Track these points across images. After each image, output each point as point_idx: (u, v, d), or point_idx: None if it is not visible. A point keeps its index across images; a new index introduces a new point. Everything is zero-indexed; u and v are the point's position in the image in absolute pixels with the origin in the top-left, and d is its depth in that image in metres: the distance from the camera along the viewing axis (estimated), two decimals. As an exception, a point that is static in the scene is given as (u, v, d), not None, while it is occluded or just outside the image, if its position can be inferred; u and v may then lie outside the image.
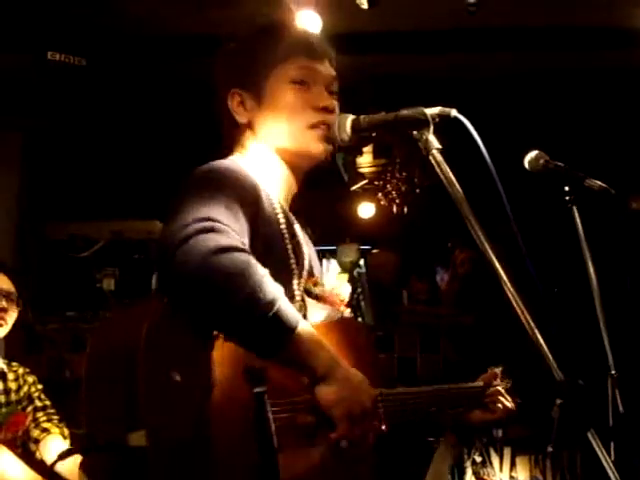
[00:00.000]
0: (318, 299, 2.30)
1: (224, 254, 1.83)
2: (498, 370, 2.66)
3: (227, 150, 2.30)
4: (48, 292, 6.12)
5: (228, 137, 2.33)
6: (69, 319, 5.89)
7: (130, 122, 6.64)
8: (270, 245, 2.14)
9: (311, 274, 2.32)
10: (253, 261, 1.88)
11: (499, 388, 2.61)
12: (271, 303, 1.85)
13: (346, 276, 2.17)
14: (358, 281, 6.85)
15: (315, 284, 2.30)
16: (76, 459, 2.00)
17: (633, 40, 5.94)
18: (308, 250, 2.35)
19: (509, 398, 2.61)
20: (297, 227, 2.34)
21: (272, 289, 1.88)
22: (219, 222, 1.89)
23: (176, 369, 1.82)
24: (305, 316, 2.22)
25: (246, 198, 2.05)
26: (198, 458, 1.81)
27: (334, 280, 2.40)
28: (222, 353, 1.88)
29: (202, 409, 1.82)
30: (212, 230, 1.87)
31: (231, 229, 1.91)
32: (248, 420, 1.84)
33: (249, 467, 1.84)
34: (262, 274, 1.87)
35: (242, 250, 1.88)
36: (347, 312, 2.38)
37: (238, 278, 1.83)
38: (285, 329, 1.88)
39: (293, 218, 2.35)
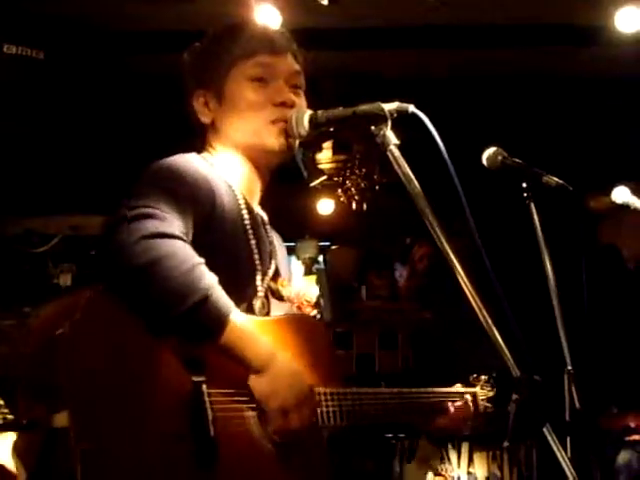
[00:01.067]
0: (284, 300, 2.32)
1: (160, 239, 1.87)
2: (484, 377, 2.61)
3: (198, 149, 2.31)
4: (4, 288, 6.06)
5: (198, 137, 2.35)
6: (25, 315, 5.83)
7: (88, 116, 6.59)
8: (230, 240, 2.16)
9: (278, 274, 2.33)
10: (189, 249, 1.92)
11: (467, 396, 2.57)
12: (203, 289, 1.88)
13: (314, 278, 2.17)
14: (317, 277, 6.84)
15: (282, 285, 2.31)
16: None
17: (589, 39, 5.99)
18: (277, 250, 2.37)
19: (472, 405, 2.56)
20: (268, 227, 2.37)
21: (206, 277, 1.91)
22: (160, 210, 1.92)
23: (104, 352, 1.83)
24: (268, 313, 2.23)
25: (196, 194, 2.06)
26: (124, 442, 1.81)
27: (301, 282, 2.41)
28: (155, 338, 1.89)
29: (131, 394, 1.84)
30: (151, 216, 1.90)
31: (172, 218, 1.93)
32: (182, 407, 1.87)
33: (180, 453, 1.85)
34: (197, 262, 1.91)
35: (179, 238, 1.91)
36: (313, 313, 2.39)
37: (170, 262, 1.86)
38: (217, 317, 1.91)
39: (263, 217, 2.37)
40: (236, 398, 1.99)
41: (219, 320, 1.91)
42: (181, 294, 1.86)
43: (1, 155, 6.49)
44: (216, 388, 1.95)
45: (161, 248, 1.86)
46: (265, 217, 2.39)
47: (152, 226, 1.88)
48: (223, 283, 2.00)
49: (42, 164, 6.60)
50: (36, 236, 6.06)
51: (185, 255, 1.89)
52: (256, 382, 2.00)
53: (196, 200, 2.04)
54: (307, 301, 2.37)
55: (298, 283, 2.41)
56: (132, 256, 1.85)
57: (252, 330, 2.01)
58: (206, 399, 1.91)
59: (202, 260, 1.93)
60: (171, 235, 1.90)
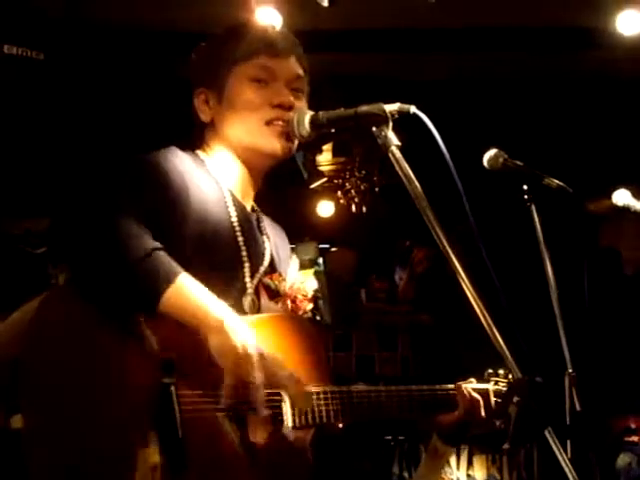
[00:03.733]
0: (279, 295, 2.30)
1: (113, 222, 1.92)
2: (502, 372, 2.54)
3: (194, 148, 2.32)
4: (3, 288, 6.05)
5: (196, 135, 2.35)
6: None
7: (88, 117, 6.59)
8: (209, 236, 2.15)
9: (274, 270, 2.33)
10: (138, 226, 1.94)
11: (469, 389, 2.46)
12: (146, 249, 1.91)
13: (311, 271, 2.16)
14: (316, 277, 6.84)
15: (278, 281, 2.30)
16: None
17: (590, 42, 5.98)
18: (274, 247, 2.37)
19: (484, 402, 2.48)
20: (265, 224, 2.38)
21: (150, 241, 1.94)
22: (120, 205, 1.96)
23: (64, 355, 1.85)
24: (258, 310, 2.22)
25: (163, 191, 2.07)
26: (81, 446, 1.82)
27: (297, 275, 2.39)
28: (122, 339, 1.90)
29: (92, 395, 1.85)
30: (110, 209, 1.94)
31: (131, 209, 1.96)
32: (149, 409, 1.87)
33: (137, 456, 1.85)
34: (138, 230, 1.93)
35: (131, 217, 1.94)
36: (309, 307, 2.37)
37: (112, 232, 1.90)
38: (162, 276, 1.91)
39: (259, 214, 2.39)
40: (209, 400, 1.98)
41: (165, 276, 1.91)
42: (124, 250, 1.90)
43: (1, 155, 6.48)
44: (188, 390, 1.95)
45: (113, 227, 1.91)
46: (261, 215, 2.40)
47: (108, 215, 1.92)
48: (200, 278, 2.02)
49: (42, 165, 6.59)
50: (36, 237, 6.06)
51: (133, 228, 1.93)
52: (212, 340, 1.97)
53: (163, 197, 2.06)
54: (303, 295, 2.35)
55: (293, 276, 2.39)
56: (84, 236, 1.91)
57: (204, 293, 1.98)
58: (175, 400, 1.90)
59: (146, 231, 1.96)
60: (125, 218, 1.93)
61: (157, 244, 1.94)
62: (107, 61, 6.36)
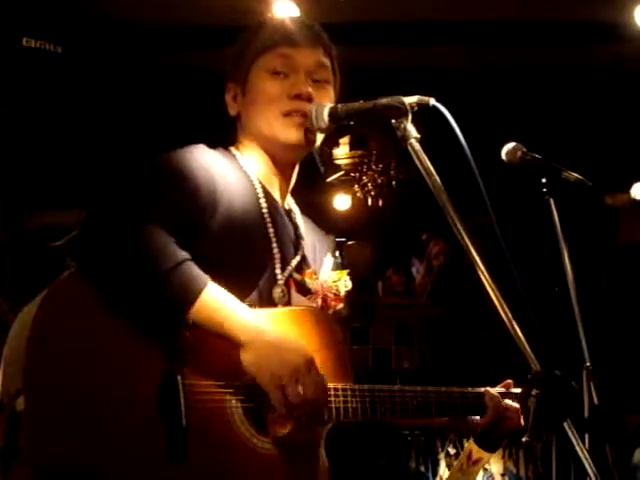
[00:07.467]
0: (310, 292, 2.31)
1: (138, 229, 1.91)
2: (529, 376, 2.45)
3: (227, 145, 2.34)
4: (22, 281, 6.08)
5: (230, 130, 2.37)
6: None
7: (105, 110, 6.61)
8: (239, 227, 2.15)
9: (306, 266, 2.33)
10: (164, 233, 1.93)
11: (495, 392, 2.39)
12: (175, 261, 1.90)
13: (345, 272, 2.15)
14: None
15: (310, 277, 2.31)
16: None
17: (608, 35, 5.97)
18: (308, 242, 2.37)
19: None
20: (297, 218, 2.38)
21: (178, 252, 1.92)
22: (147, 207, 1.96)
23: (71, 339, 1.87)
24: (288, 303, 2.23)
25: (192, 188, 2.06)
26: (83, 430, 1.83)
27: (331, 274, 2.37)
28: (130, 327, 1.91)
29: (97, 382, 1.86)
30: (135, 212, 1.95)
31: (157, 212, 1.97)
32: (154, 398, 1.88)
33: (148, 445, 1.86)
34: (170, 240, 1.93)
35: (156, 224, 1.93)
36: (339, 307, 2.35)
37: (141, 243, 1.90)
38: (191, 287, 1.91)
39: (292, 208, 2.39)
40: (219, 390, 1.97)
41: (193, 288, 1.91)
42: (154, 262, 1.89)
43: (19, 149, 6.51)
44: (196, 379, 1.94)
45: (142, 238, 1.91)
46: (295, 209, 2.40)
47: (136, 226, 1.92)
48: (228, 269, 2.03)
49: (59, 158, 6.62)
50: (53, 230, 6.08)
51: (161, 238, 1.92)
52: (245, 356, 1.95)
53: (191, 194, 2.05)
54: (334, 294, 2.33)
55: (326, 274, 2.37)
56: (112, 248, 1.90)
57: (234, 302, 1.97)
58: (180, 388, 1.90)
59: (170, 239, 1.94)
60: (153, 227, 1.93)
61: (185, 255, 1.93)
62: (125, 55, 6.38)
